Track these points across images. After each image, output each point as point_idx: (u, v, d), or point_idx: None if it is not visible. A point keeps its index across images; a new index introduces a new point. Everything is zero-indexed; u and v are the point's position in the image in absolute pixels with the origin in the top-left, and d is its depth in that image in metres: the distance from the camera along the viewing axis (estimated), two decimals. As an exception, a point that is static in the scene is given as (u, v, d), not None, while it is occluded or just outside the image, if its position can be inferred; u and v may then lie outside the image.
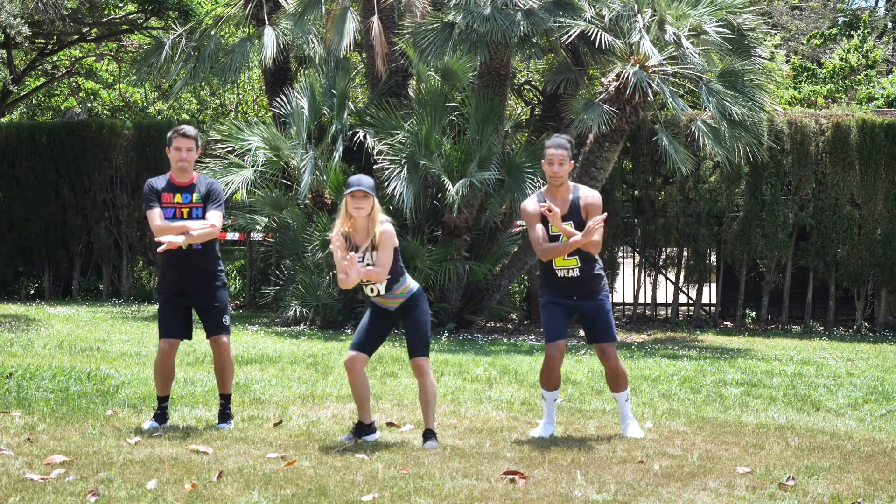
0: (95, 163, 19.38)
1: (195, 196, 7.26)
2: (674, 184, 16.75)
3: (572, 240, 7.00)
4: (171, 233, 7.11)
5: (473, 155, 14.46)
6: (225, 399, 7.44)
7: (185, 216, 7.23)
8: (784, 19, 28.20)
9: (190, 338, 7.51)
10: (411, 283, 6.92)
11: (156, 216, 7.20)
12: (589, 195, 7.25)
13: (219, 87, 23.37)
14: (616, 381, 7.29)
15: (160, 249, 7.17)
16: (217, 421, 7.40)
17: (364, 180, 6.81)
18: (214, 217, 7.22)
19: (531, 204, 7.17)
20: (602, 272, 7.36)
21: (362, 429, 6.93)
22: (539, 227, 7.08)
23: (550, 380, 7.26)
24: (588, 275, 7.19)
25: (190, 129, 7.36)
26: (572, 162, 7.21)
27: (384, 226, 6.75)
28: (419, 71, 15.36)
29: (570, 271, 7.14)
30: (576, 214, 7.13)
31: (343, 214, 6.82)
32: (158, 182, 7.33)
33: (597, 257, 7.28)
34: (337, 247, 6.72)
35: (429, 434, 6.81)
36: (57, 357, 10.63)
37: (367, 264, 6.72)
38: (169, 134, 7.39)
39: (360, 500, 5.36)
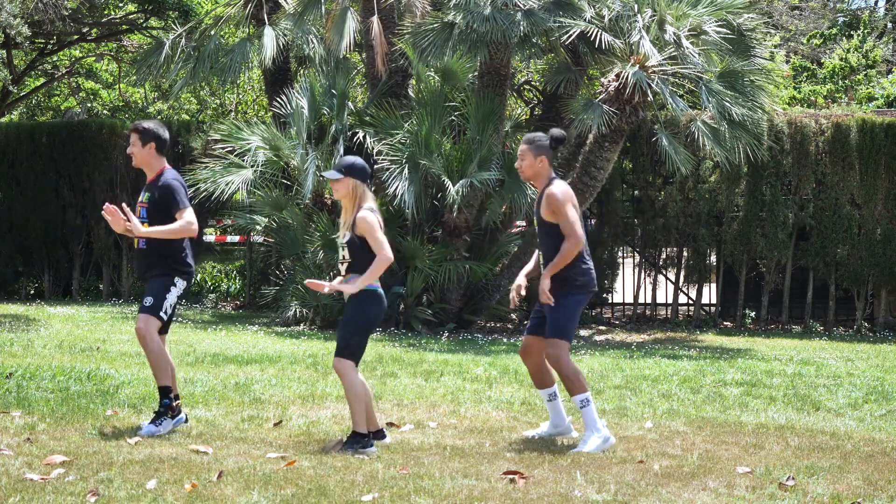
0: (95, 163, 19.37)
1: (146, 196, 7.17)
2: (674, 184, 16.75)
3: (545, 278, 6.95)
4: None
5: (473, 155, 14.46)
6: (160, 392, 7.06)
7: (138, 214, 7.15)
8: (784, 19, 28.20)
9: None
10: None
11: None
12: (548, 190, 6.98)
13: (219, 87, 23.36)
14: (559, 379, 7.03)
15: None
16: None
17: (339, 162, 6.79)
18: (181, 216, 7.01)
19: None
20: (570, 274, 6.93)
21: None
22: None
23: (530, 375, 7.31)
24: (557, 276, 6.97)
25: (137, 124, 7.20)
26: (543, 158, 7.00)
27: (361, 212, 6.65)
28: (419, 71, 15.36)
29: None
30: (539, 210, 7.03)
31: None
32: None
33: (577, 262, 6.93)
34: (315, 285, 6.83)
35: (349, 438, 6.59)
36: (57, 357, 10.62)
37: (343, 245, 6.75)
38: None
39: (360, 500, 5.36)
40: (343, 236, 6.76)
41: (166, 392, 7.00)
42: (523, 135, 16.62)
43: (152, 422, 6.98)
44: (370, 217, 6.63)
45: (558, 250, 6.91)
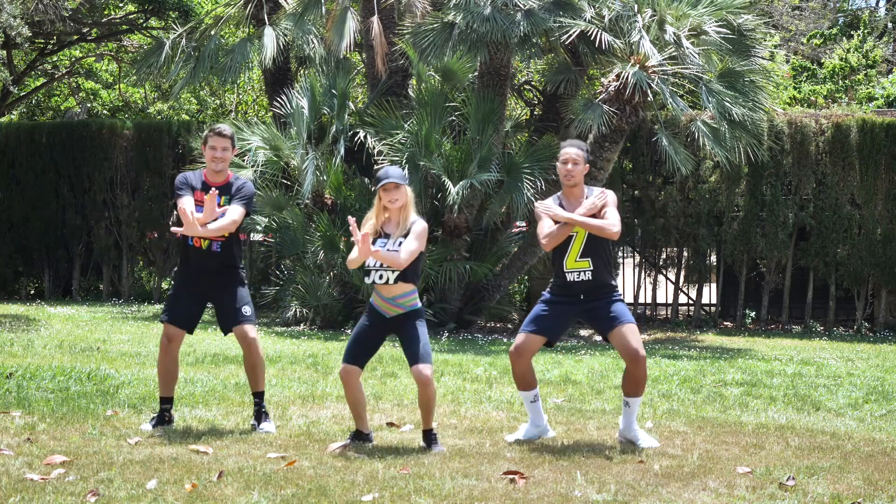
0: (95, 163, 19.38)
1: (224, 199, 7.16)
2: (674, 184, 16.75)
3: (568, 216, 6.80)
4: (191, 228, 6.94)
5: (473, 155, 14.46)
6: (258, 397, 7.28)
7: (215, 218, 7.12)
8: (784, 19, 28.19)
9: (191, 332, 7.35)
10: (417, 301, 6.77)
11: (186, 203, 7.01)
12: (596, 192, 7.05)
13: (219, 87, 23.35)
14: (636, 379, 6.86)
15: (176, 233, 7.04)
16: (255, 423, 7.20)
17: (393, 172, 6.73)
18: (234, 211, 7.07)
19: (543, 202, 7.07)
20: (617, 284, 7.06)
21: (360, 436, 6.85)
22: (546, 220, 6.89)
23: (515, 377, 7.04)
24: (601, 279, 6.92)
25: (226, 129, 7.27)
26: (587, 165, 7.02)
27: (421, 220, 6.70)
28: (419, 71, 15.35)
29: (582, 274, 6.86)
30: (593, 215, 6.92)
31: (376, 208, 6.74)
32: (193, 178, 7.24)
33: (612, 267, 7.02)
34: (353, 227, 6.49)
35: (432, 436, 6.72)
36: (57, 357, 10.62)
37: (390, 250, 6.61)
38: (205, 132, 7.32)
39: (360, 500, 5.36)
40: (395, 243, 6.64)
41: (262, 395, 7.26)
42: (524, 135, 16.70)
43: (267, 419, 7.19)
44: (425, 225, 6.70)
45: (607, 253, 6.93)
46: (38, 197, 19.37)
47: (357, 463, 6.18)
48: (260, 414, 7.25)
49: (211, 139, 7.24)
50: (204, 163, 7.45)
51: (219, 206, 7.11)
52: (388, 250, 6.59)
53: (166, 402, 7.25)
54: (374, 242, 6.60)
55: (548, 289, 7.12)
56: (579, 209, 6.90)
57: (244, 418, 7.54)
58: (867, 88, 22.92)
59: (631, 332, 6.83)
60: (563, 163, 6.97)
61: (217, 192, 7.02)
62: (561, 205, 6.99)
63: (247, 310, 7.22)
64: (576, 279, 6.90)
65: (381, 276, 6.65)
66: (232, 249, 7.25)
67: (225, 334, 7.41)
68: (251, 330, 7.21)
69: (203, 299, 7.34)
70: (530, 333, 6.97)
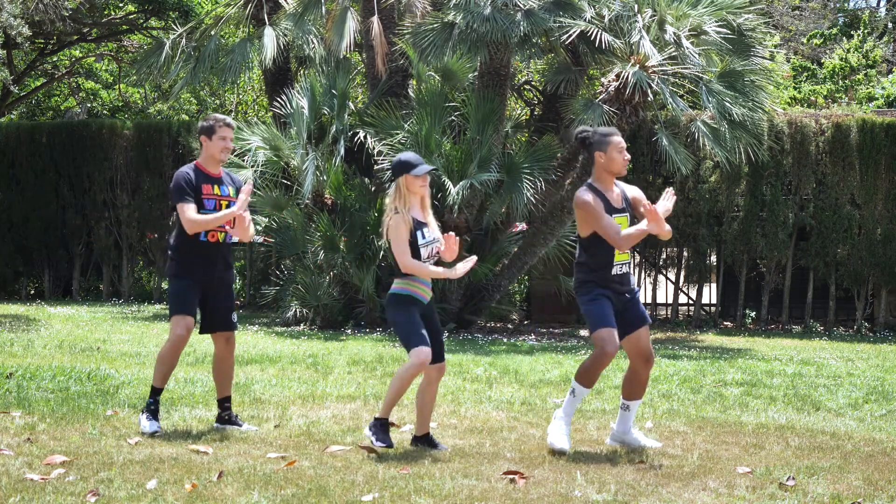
0: (95, 163, 19.39)
1: (231, 190, 7.18)
2: (674, 184, 16.75)
3: (646, 226, 6.62)
4: (208, 226, 6.93)
5: (473, 155, 14.46)
6: (228, 401, 7.29)
7: (225, 208, 7.08)
8: (784, 19, 28.19)
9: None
10: None
11: (191, 210, 6.92)
12: (633, 188, 6.96)
13: (219, 88, 23.36)
14: (643, 381, 6.89)
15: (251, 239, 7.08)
16: (238, 426, 7.21)
17: (423, 160, 6.74)
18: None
19: (589, 195, 6.70)
20: None
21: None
22: (609, 217, 6.66)
23: (594, 376, 6.71)
24: (630, 271, 7.02)
25: (232, 121, 7.28)
26: None
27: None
28: (419, 71, 15.36)
29: (625, 266, 6.82)
30: (629, 208, 6.85)
31: (404, 196, 6.60)
32: (191, 174, 7.09)
33: None
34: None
35: (432, 438, 6.74)
36: (57, 357, 10.62)
37: (434, 238, 6.63)
38: (210, 123, 7.13)
39: (360, 500, 5.36)
40: (438, 229, 6.74)
41: (230, 399, 7.39)
42: (523, 135, 16.71)
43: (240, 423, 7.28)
44: None
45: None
46: (38, 197, 19.37)
47: (357, 463, 6.18)
48: (232, 417, 7.25)
49: (221, 129, 7.11)
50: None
51: (228, 196, 7.15)
52: (432, 239, 6.63)
53: (159, 392, 7.14)
54: (424, 235, 6.60)
55: (590, 284, 6.79)
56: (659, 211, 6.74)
57: (244, 418, 7.54)
58: (867, 88, 22.92)
59: (647, 334, 6.96)
60: (619, 151, 6.74)
61: (251, 185, 7.17)
62: (599, 194, 6.74)
63: (234, 316, 7.32)
64: (618, 272, 6.82)
65: (435, 262, 6.74)
66: (231, 240, 7.31)
67: (202, 333, 7.34)
68: (233, 336, 7.34)
69: (203, 293, 7.25)
70: (613, 328, 6.69)
